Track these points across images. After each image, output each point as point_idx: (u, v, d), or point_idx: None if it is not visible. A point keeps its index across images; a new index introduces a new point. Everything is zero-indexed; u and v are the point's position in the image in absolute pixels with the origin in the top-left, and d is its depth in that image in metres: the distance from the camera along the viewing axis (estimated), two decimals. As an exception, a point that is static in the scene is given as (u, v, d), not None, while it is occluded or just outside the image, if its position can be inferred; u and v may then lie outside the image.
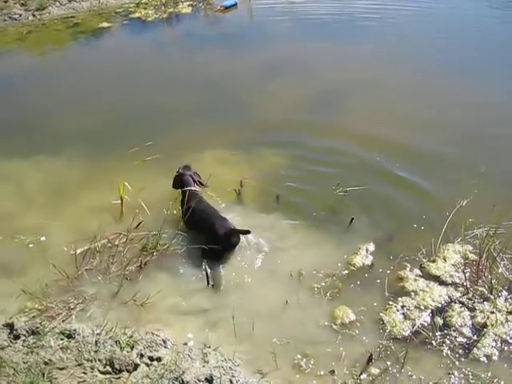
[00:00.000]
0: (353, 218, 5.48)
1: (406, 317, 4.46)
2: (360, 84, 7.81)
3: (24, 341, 4.14)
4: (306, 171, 6.19)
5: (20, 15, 10.42)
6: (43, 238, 5.44)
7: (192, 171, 5.91)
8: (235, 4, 10.58)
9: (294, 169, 6.24)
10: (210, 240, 5.10)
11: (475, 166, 6.05)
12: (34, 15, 10.43)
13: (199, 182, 5.90)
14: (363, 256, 5.11)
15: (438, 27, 9.66)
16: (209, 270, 4.98)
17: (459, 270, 4.86)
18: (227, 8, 10.43)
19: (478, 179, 5.82)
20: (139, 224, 5.41)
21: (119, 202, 5.74)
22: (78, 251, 5.17)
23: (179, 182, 5.83)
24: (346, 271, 4.94)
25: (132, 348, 4.12)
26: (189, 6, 10.57)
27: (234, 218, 5.48)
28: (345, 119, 7.07)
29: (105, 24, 10.07)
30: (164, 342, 4.20)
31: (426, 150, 6.42)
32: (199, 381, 3.86)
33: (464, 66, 8.16)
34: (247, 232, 5.12)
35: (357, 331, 4.35)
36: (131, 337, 4.22)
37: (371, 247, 5.18)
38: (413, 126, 6.90)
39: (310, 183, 6.01)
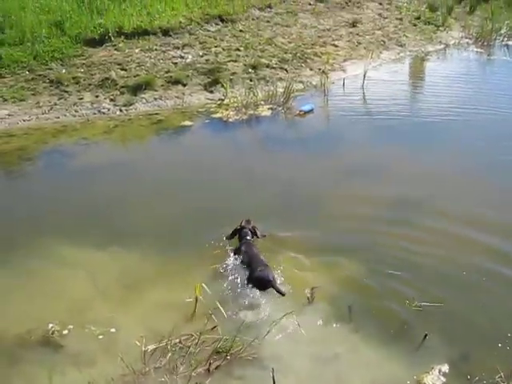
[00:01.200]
0: (426, 335, 5.29)
1: None
2: (437, 190, 7.73)
3: None
4: (381, 281, 6.07)
5: (108, 109, 10.91)
6: (113, 330, 5.47)
7: (251, 225, 6.66)
8: (312, 109, 10.76)
9: (369, 278, 6.13)
10: (249, 278, 6.00)
11: None
12: (121, 110, 10.90)
13: (256, 234, 6.65)
14: (435, 376, 4.90)
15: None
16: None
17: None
18: (306, 112, 10.63)
19: None
20: (214, 328, 5.36)
21: (193, 300, 5.72)
22: (149, 348, 5.17)
23: (239, 232, 6.62)
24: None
25: None
26: (268, 109, 10.82)
27: (304, 324, 5.39)
28: (421, 228, 6.95)
29: (187, 122, 10.39)
30: None
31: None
32: None
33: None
34: (281, 293, 5.79)
35: None
36: None
37: (445, 367, 4.98)
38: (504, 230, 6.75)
39: (384, 295, 5.88)
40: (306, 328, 5.36)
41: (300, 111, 10.59)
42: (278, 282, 6.02)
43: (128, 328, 5.52)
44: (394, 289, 5.97)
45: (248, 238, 6.57)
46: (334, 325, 5.56)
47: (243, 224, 6.69)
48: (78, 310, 5.78)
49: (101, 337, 5.41)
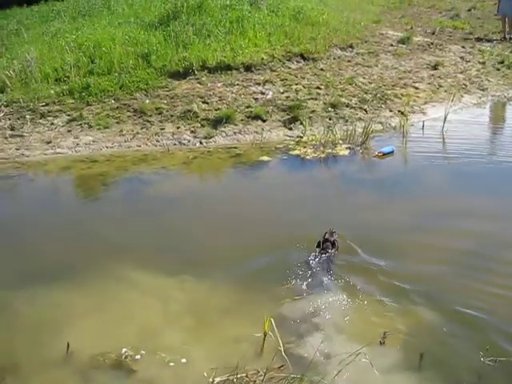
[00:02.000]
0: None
1: None
2: None
3: None
4: (457, 330, 5.88)
5: (189, 141, 11.16)
6: (184, 360, 5.52)
7: (335, 237, 7.11)
8: (392, 151, 10.68)
9: (444, 326, 5.95)
10: None
11: None
12: (201, 142, 11.14)
13: (336, 247, 7.05)
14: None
15: None
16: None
17: None
18: (385, 154, 10.53)
19: None
20: (281, 367, 5.34)
21: (262, 335, 5.72)
22: (216, 380, 5.19)
23: (322, 244, 7.05)
24: None
25: None
26: (346, 148, 10.81)
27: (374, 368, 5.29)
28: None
29: (265, 158, 10.49)
30: None
31: None
32: None
33: None
34: None
35: None
36: None
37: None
38: None
39: (459, 344, 5.70)
40: (375, 371, 5.26)
41: (379, 153, 10.53)
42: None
43: (197, 358, 5.53)
44: (471, 338, 5.78)
45: (329, 250, 7.03)
46: (404, 372, 5.43)
47: (327, 236, 7.13)
48: (150, 336, 5.86)
49: (172, 364, 5.47)
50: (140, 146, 11.06)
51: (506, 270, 6.86)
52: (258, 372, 5.29)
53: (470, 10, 22.61)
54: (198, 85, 12.86)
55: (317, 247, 7.17)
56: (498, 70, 15.89)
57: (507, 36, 18.48)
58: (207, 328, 6.04)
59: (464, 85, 14.66)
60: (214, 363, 5.38)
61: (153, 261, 7.19)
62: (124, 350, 5.61)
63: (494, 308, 6.19)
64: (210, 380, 5.18)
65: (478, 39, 18.50)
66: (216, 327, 6.05)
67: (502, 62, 16.26)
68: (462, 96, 14.03)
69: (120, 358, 5.55)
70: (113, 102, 12.29)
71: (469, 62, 16.32)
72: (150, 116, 11.83)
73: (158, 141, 11.17)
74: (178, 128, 11.50)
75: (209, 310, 6.30)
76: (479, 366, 5.41)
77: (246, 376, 5.25)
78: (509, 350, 5.56)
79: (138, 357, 5.57)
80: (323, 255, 7.02)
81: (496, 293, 6.40)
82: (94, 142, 11.16)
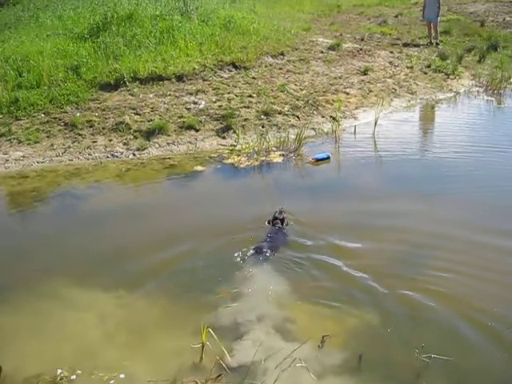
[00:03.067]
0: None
1: None
2: (454, 244, 7.62)
3: None
4: (392, 331, 6.01)
5: (121, 153, 11.04)
6: (122, 376, 5.45)
7: (283, 215, 8.03)
8: (328, 158, 10.78)
9: (381, 328, 6.08)
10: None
11: None
12: (134, 154, 11.03)
13: (284, 223, 7.97)
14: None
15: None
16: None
17: None
18: (319, 161, 10.63)
19: None
20: (218, 376, 5.33)
21: (200, 346, 5.70)
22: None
23: (272, 220, 7.98)
24: None
25: None
26: (280, 155, 10.90)
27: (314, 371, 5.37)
28: (431, 279, 6.87)
29: (199, 167, 10.47)
30: None
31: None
32: None
33: None
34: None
35: None
36: None
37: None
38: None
39: (397, 344, 5.84)
40: (315, 376, 5.31)
41: (312, 159, 10.63)
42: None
43: (136, 373, 5.50)
44: (407, 336, 5.94)
45: (278, 225, 7.92)
46: (342, 373, 5.50)
47: (277, 215, 8.04)
48: (87, 355, 5.79)
49: (111, 382, 5.41)
50: (72, 160, 10.87)
51: (435, 265, 7.12)
52: (197, 383, 5.29)
53: (397, 17, 23.17)
54: (130, 96, 12.76)
55: (267, 223, 8.03)
56: (426, 73, 16.33)
57: (433, 41, 19.02)
58: (145, 342, 6.00)
59: (393, 89, 15.01)
60: (153, 377, 5.36)
61: (87, 277, 7.09)
62: (59, 370, 5.51)
63: (425, 306, 6.38)
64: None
65: (406, 44, 18.98)
66: (154, 341, 6.01)
67: (428, 66, 16.73)
68: (391, 100, 14.37)
69: (55, 379, 5.45)
70: (43, 115, 12.05)
71: (397, 66, 16.72)
72: (82, 129, 11.65)
73: (90, 154, 11.02)
74: (111, 140, 11.37)
75: (146, 324, 6.26)
76: (416, 363, 5.53)
77: (183, 388, 5.25)
78: (442, 345, 5.72)
79: (73, 377, 5.48)
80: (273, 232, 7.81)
81: (428, 288, 6.63)
82: (24, 157, 10.91)
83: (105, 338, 6.06)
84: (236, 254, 7.38)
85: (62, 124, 11.81)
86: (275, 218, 8.02)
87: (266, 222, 8.08)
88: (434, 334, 5.99)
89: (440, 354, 5.51)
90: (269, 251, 7.42)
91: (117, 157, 10.95)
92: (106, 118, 11.97)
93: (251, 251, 7.41)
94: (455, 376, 5.47)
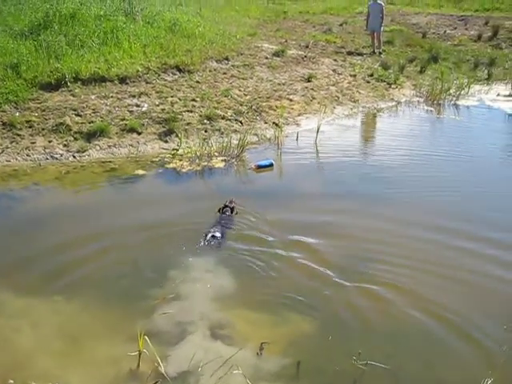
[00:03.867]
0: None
1: None
2: (393, 250, 7.76)
3: None
4: (331, 338, 6.06)
5: (61, 155, 10.82)
6: (55, 386, 5.36)
7: (233, 204, 8.60)
8: (270, 165, 10.79)
9: (320, 337, 6.13)
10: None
11: None
12: (74, 156, 10.83)
13: (235, 211, 8.56)
14: None
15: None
16: None
17: None
18: (261, 168, 10.64)
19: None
20: (156, 383, 5.29)
21: (137, 354, 5.64)
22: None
23: (222, 208, 8.52)
24: None
25: None
26: (222, 160, 10.89)
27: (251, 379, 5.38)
28: (371, 285, 6.98)
29: (140, 171, 10.36)
30: None
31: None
32: None
33: None
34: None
35: None
36: None
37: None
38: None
39: (334, 351, 5.89)
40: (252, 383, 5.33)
41: (255, 165, 10.66)
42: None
43: (71, 383, 5.40)
44: (344, 344, 6.01)
45: (227, 213, 8.48)
46: (282, 380, 5.52)
47: (227, 203, 8.61)
48: (20, 364, 5.64)
49: (44, 392, 5.29)
50: (9, 161, 10.60)
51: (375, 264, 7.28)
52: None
53: (341, 25, 23.45)
54: (71, 97, 12.51)
55: (218, 212, 8.51)
56: (368, 82, 16.62)
57: (376, 50, 19.36)
58: (81, 350, 5.88)
59: (336, 97, 15.21)
60: (88, 385, 5.27)
61: (21, 281, 6.91)
62: (-10, 382, 5.35)
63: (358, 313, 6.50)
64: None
65: (350, 53, 19.25)
66: (90, 348, 5.89)
67: (371, 75, 17.03)
68: (334, 107, 14.56)
69: (-15, 390, 5.30)
70: (-21, 115, 11.74)
71: (341, 74, 16.95)
72: (20, 129, 11.36)
73: (28, 155, 10.77)
74: (50, 142, 11.13)
75: (82, 331, 6.13)
76: (353, 370, 5.60)
77: (119, 397, 5.18)
78: (376, 351, 5.82)
79: (5, 388, 5.33)
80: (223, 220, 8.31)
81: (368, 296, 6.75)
82: (-42, 157, 10.60)
83: (39, 346, 5.91)
84: (176, 251, 7.45)
85: (0, 123, 11.49)
86: (225, 206, 8.57)
87: (216, 210, 8.54)
88: (373, 340, 6.09)
89: (376, 360, 5.61)
90: (219, 235, 7.82)
91: (56, 159, 10.73)
92: (45, 119, 11.71)
93: (203, 235, 7.79)
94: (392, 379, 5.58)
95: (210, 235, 7.77)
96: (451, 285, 7.05)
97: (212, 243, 7.70)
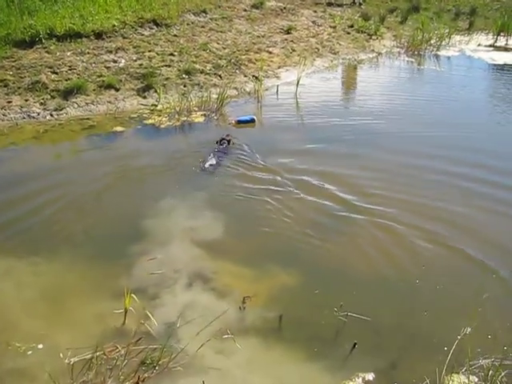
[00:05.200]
0: (355, 343, 5.36)
1: None
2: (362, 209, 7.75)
3: None
4: (312, 290, 6.10)
5: (38, 114, 10.64)
6: (40, 346, 5.31)
7: (229, 138, 9.50)
8: (252, 121, 10.67)
9: (303, 288, 6.16)
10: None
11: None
12: (51, 115, 10.66)
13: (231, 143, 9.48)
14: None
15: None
16: None
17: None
18: (241, 123, 10.54)
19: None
20: (139, 339, 5.28)
21: (122, 311, 5.63)
22: (73, 361, 5.07)
23: (219, 141, 9.39)
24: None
25: None
26: (202, 115, 10.80)
27: (234, 333, 5.43)
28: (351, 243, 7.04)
29: (119, 128, 10.24)
30: None
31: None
32: None
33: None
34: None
35: None
36: None
37: (369, 376, 5.05)
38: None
39: (316, 303, 5.92)
40: (236, 337, 5.36)
41: (235, 121, 10.56)
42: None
43: (56, 342, 5.34)
44: (326, 295, 6.03)
45: (224, 145, 9.35)
46: (264, 334, 5.56)
47: (224, 137, 9.47)
48: (2, 325, 5.59)
49: (29, 353, 5.25)
50: (-15, 122, 10.43)
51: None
52: (117, 348, 5.24)
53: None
54: (46, 54, 12.27)
55: (216, 143, 9.35)
56: (348, 33, 16.47)
57: (356, 1, 19.16)
58: (65, 310, 5.85)
59: (316, 49, 15.07)
60: (73, 344, 5.23)
61: (1, 243, 6.83)
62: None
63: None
64: (66, 361, 5.04)
65: (329, 4, 19.04)
66: (74, 308, 5.87)
67: (351, 26, 16.87)
68: (314, 60, 14.43)
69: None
70: (-49, 74, 11.48)
71: (320, 26, 16.77)
72: (-5, 89, 11.16)
73: (4, 115, 10.56)
74: (27, 100, 10.92)
75: (65, 291, 6.09)
76: (335, 321, 5.64)
77: (104, 354, 5.16)
78: (357, 303, 5.86)
79: (-12, 351, 5.28)
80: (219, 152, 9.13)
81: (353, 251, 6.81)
82: None
83: (22, 308, 5.86)
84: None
85: (-26, 83, 11.28)
86: (222, 139, 9.44)
87: (215, 142, 9.38)
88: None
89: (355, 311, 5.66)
90: (215, 162, 8.79)
91: (33, 118, 10.56)
92: (21, 77, 11.47)
93: (200, 163, 8.78)
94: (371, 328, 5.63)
95: (208, 163, 8.73)
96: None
97: (209, 169, 8.63)
